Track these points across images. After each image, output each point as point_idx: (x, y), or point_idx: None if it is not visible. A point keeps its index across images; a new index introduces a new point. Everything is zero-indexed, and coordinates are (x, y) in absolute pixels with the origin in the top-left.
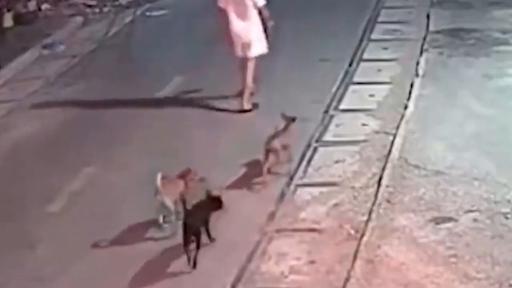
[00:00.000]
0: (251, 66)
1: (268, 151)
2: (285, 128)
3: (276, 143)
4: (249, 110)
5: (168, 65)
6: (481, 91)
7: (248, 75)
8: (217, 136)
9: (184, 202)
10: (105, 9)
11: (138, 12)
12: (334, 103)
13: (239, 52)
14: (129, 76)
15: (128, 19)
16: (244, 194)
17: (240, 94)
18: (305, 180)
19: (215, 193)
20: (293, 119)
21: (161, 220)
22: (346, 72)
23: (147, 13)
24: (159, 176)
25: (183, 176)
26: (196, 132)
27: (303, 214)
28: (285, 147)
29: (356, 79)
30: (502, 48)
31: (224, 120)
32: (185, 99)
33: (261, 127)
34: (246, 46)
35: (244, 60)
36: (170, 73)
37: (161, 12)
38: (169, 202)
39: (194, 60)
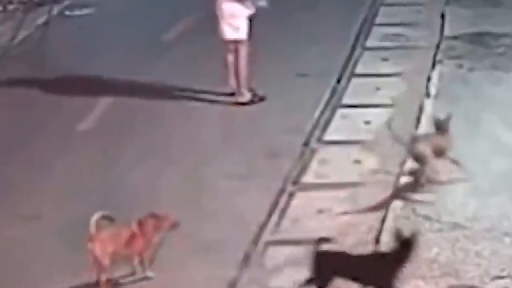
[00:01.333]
0: (243, 50)
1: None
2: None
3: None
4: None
5: (94, 83)
6: None
7: (241, 62)
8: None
9: None
10: (10, 7)
11: (55, 11)
12: (316, 133)
13: (229, 35)
14: (43, 101)
15: (41, 20)
16: (196, 253)
17: (235, 90)
18: (278, 236)
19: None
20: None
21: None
22: (333, 91)
23: (67, 12)
24: (94, 218)
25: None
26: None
27: (275, 282)
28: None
29: (346, 100)
30: None
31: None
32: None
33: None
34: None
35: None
36: (97, 94)
37: (84, 11)
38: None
39: (127, 72)
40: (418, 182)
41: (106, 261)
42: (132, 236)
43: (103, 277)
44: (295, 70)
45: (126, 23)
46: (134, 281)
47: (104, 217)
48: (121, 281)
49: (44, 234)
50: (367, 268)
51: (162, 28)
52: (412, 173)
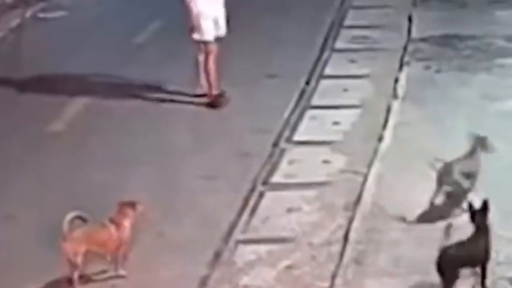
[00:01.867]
0: (214, 51)
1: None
2: (471, 153)
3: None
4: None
5: (66, 85)
6: (480, 117)
7: (211, 63)
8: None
9: None
10: None
11: (28, 14)
12: (286, 133)
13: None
14: (15, 102)
15: (15, 23)
16: (168, 252)
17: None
18: (248, 235)
19: None
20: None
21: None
22: (302, 92)
23: (40, 15)
24: (68, 218)
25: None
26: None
27: (245, 280)
28: (468, 175)
29: (315, 101)
30: (507, 61)
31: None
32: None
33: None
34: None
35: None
36: (69, 95)
37: (58, 13)
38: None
39: (100, 74)
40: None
41: (78, 260)
42: (106, 234)
43: (76, 275)
44: (265, 72)
45: (99, 26)
46: (107, 279)
47: (77, 217)
48: (94, 278)
49: (19, 234)
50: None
51: (134, 30)
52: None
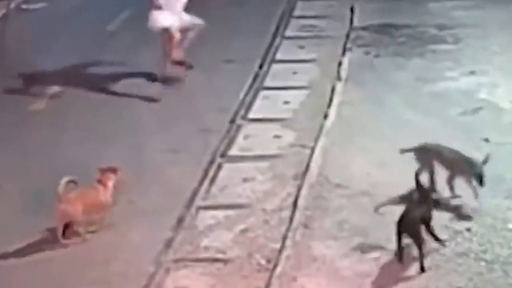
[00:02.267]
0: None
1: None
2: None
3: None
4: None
5: (46, 71)
6: (414, 97)
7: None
8: None
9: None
10: None
11: (12, 5)
12: (241, 112)
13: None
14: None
15: (0, 13)
16: (136, 218)
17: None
18: (208, 202)
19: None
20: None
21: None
22: (256, 75)
23: (23, 6)
24: (63, 181)
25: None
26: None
27: (205, 242)
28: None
29: (267, 83)
30: (438, 47)
31: None
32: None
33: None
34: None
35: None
36: (48, 80)
37: (39, 5)
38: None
39: (76, 60)
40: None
41: (79, 217)
42: (96, 195)
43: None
44: (224, 57)
45: (75, 16)
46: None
47: (70, 181)
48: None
49: (3, 201)
50: None
51: (106, 19)
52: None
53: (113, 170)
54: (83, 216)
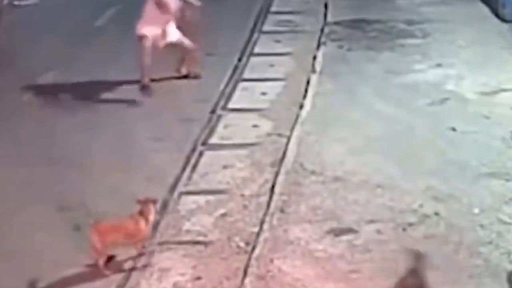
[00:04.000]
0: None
1: None
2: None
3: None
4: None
5: (40, 62)
6: (384, 89)
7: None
8: None
9: None
10: None
11: (6, 1)
12: (222, 102)
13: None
14: None
15: None
16: (122, 202)
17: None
18: (190, 188)
19: None
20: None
21: None
22: (235, 68)
23: (15, 2)
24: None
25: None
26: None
27: (187, 225)
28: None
29: (246, 75)
30: (407, 41)
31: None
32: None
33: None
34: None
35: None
36: (38, 73)
37: (31, 1)
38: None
39: (65, 54)
40: None
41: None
42: (135, 226)
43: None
44: (205, 51)
45: (65, 12)
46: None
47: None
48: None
49: None
50: None
51: (94, 16)
52: None
53: (153, 202)
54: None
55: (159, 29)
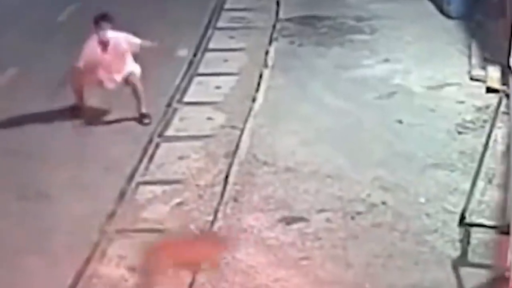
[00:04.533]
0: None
1: None
2: None
3: None
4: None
5: (4, 57)
6: (334, 83)
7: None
8: None
9: None
10: None
11: None
12: (177, 96)
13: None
14: None
15: None
16: (80, 192)
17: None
18: (147, 178)
19: None
20: None
21: None
22: (190, 63)
23: None
24: None
25: None
26: None
27: (144, 214)
28: None
29: (201, 70)
30: (356, 37)
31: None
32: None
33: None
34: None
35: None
36: (6, 65)
37: None
38: None
39: (27, 49)
40: None
41: None
42: None
43: None
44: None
45: (28, 7)
46: None
47: None
48: None
49: None
50: None
51: (56, 11)
52: None
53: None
54: None
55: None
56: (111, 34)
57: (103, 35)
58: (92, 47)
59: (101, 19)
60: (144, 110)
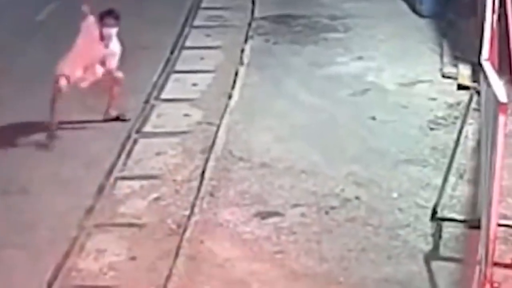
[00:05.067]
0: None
1: None
2: None
3: None
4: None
5: None
6: (309, 80)
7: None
8: None
9: None
10: None
11: None
12: (155, 93)
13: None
14: None
15: None
16: (60, 187)
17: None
18: (125, 173)
19: None
20: None
21: None
22: (168, 60)
23: None
24: None
25: None
26: None
27: (122, 209)
28: None
29: (178, 67)
30: (330, 35)
31: None
32: None
33: None
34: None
35: None
36: None
37: None
38: None
39: (7, 49)
40: None
41: None
42: None
43: None
44: (139, 45)
45: (7, 7)
46: None
47: None
48: None
49: None
50: None
51: (35, 10)
52: None
53: None
54: None
55: (84, 67)
56: (114, 32)
57: (106, 32)
58: (90, 40)
59: (107, 15)
60: (114, 112)
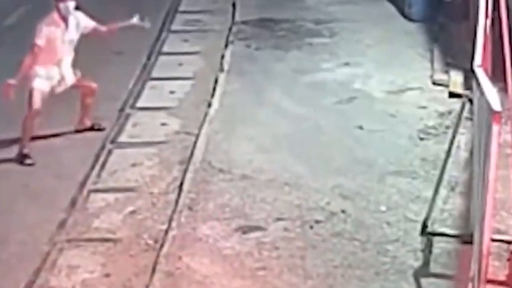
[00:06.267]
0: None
1: None
2: None
3: None
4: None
5: None
6: (292, 88)
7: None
8: None
9: None
10: None
11: None
12: (130, 101)
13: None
14: None
15: None
16: (31, 200)
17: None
18: (99, 185)
19: None
20: None
21: None
22: (144, 67)
23: None
24: None
25: None
26: None
27: (96, 223)
28: None
29: (154, 74)
30: (315, 40)
31: None
32: None
33: None
34: None
35: None
36: None
37: None
38: None
39: None
40: None
41: None
42: None
43: None
44: (113, 49)
45: None
46: None
47: None
48: None
49: None
50: None
51: (3, 15)
52: None
53: None
54: None
55: (54, 73)
56: (73, 11)
57: (65, 10)
58: (51, 22)
59: None
60: (88, 122)
